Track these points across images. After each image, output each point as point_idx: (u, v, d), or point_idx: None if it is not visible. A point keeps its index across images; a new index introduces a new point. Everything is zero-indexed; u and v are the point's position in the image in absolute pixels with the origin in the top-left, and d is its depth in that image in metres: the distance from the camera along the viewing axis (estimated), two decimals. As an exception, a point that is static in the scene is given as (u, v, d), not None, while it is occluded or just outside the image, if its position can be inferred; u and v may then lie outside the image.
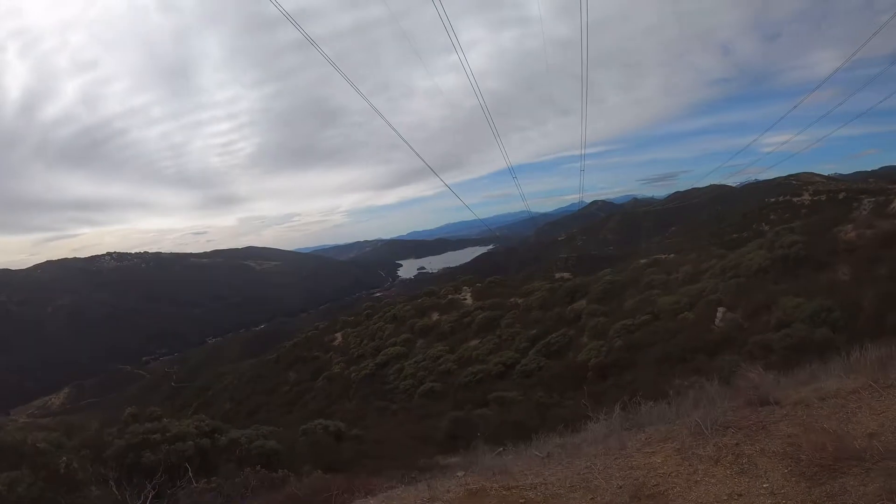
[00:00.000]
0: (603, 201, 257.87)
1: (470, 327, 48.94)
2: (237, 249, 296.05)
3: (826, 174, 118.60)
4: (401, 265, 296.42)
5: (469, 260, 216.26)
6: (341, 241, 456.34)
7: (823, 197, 76.32)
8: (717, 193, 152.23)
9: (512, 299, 54.49)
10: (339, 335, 61.72)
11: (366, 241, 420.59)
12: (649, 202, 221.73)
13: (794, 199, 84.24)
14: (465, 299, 59.18)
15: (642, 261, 56.69)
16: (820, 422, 5.50)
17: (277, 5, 12.69)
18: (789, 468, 4.68)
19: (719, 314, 35.03)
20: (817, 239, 43.04)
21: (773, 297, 33.44)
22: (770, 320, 29.99)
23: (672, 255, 58.07)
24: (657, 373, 27.35)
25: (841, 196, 71.78)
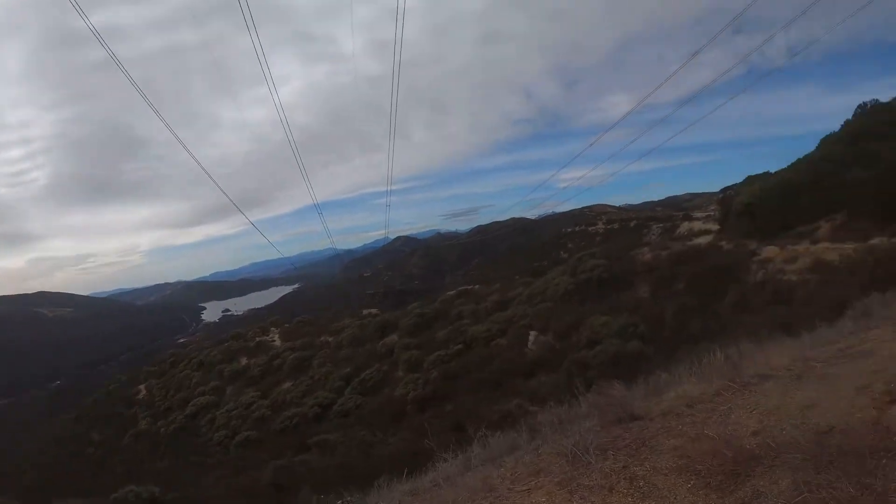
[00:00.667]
0: (407, 236, 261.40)
1: (281, 369, 47.57)
2: (27, 295, 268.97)
3: (618, 205, 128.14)
4: (204, 308, 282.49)
5: (275, 300, 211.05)
6: (140, 284, 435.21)
7: (616, 225, 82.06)
8: (518, 226, 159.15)
9: (322, 338, 53.79)
10: (143, 387, 58.37)
11: (166, 284, 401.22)
12: (453, 236, 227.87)
13: (590, 229, 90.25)
14: (274, 341, 57.98)
15: (450, 293, 57.86)
16: (700, 429, 5.22)
17: (84, 18, 11.29)
18: (692, 482, 4.24)
19: (531, 338, 36.07)
20: (617, 262, 46.22)
21: (581, 317, 35.05)
22: (580, 340, 31.23)
23: (478, 286, 59.69)
24: (477, 400, 27.50)
25: (632, 224, 77.90)
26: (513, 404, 23.68)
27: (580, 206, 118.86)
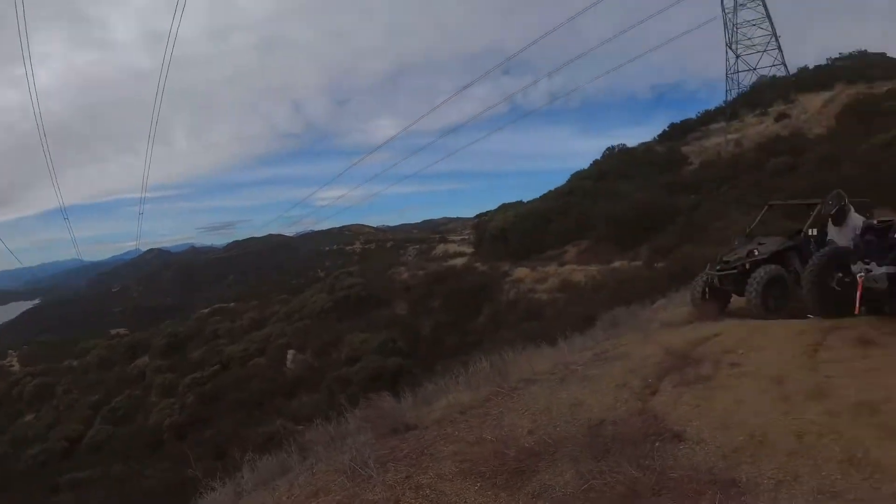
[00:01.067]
0: (160, 249, 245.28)
1: (21, 399, 42.60)
2: None
3: (376, 225, 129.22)
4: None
5: (13, 317, 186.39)
6: None
7: (374, 245, 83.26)
8: (276, 242, 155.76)
9: (66, 361, 49.31)
10: None
11: None
12: (208, 250, 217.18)
13: (347, 248, 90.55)
14: (13, 365, 52.60)
15: (205, 310, 55.60)
16: (477, 433, 5.30)
17: None
18: (479, 484, 4.27)
19: (290, 356, 35.53)
20: (375, 280, 47.11)
21: (339, 335, 35.08)
22: (340, 357, 31.29)
23: (233, 304, 58.00)
24: (238, 422, 26.48)
25: (389, 244, 79.58)
26: (277, 425, 23.04)
27: (339, 226, 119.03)
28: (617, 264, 35.55)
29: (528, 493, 4.08)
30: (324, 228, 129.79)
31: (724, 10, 62.26)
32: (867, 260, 7.24)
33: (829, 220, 9.07)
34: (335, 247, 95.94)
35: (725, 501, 3.64)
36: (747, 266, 10.01)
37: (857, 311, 7.21)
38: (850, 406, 4.67)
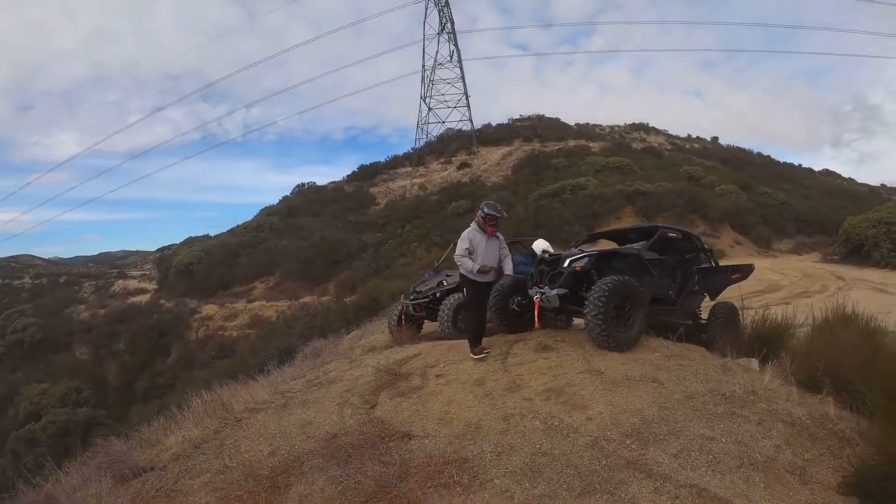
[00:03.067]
0: None
1: None
2: None
3: (47, 257, 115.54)
4: None
5: None
6: None
7: (45, 280, 74.96)
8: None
9: None
10: None
11: None
12: None
13: (15, 283, 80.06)
14: None
15: None
16: (219, 462, 5.41)
17: None
18: None
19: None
20: (52, 320, 42.70)
21: (14, 386, 31.50)
22: (18, 412, 28.01)
23: None
24: None
25: (63, 279, 72.18)
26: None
27: (5, 256, 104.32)
28: (307, 299, 36.35)
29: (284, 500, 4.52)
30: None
31: (423, 67, 67.24)
32: (541, 285, 8.53)
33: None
34: (1, 281, 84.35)
35: (462, 473, 4.52)
36: (438, 295, 11.41)
37: (536, 326, 8.54)
38: (540, 392, 6.03)
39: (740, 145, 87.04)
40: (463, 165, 66.40)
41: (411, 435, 5.44)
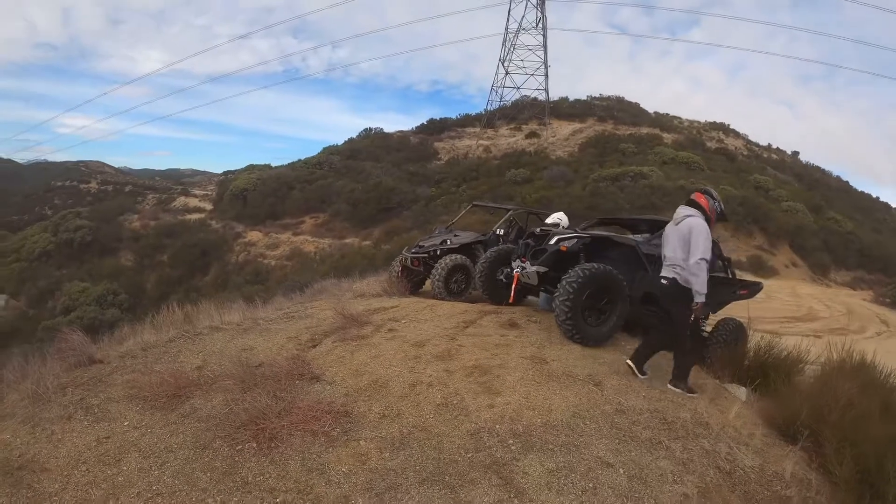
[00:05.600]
0: None
1: None
2: None
3: (116, 166, 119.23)
4: None
5: None
6: None
7: (111, 188, 77.39)
8: (1, 169, 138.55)
9: None
10: None
11: None
12: None
13: (82, 186, 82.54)
14: None
15: None
16: (151, 366, 5.76)
17: None
18: (140, 406, 4.77)
19: (1, 302, 32.65)
20: (104, 225, 44.10)
21: (57, 282, 32.86)
22: (56, 306, 29.33)
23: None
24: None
25: (128, 189, 74.41)
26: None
27: (76, 160, 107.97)
28: (349, 240, 36.80)
29: (180, 413, 4.70)
30: (59, 160, 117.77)
31: (507, 29, 66.57)
32: (524, 259, 8.27)
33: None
34: (68, 182, 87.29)
35: (336, 425, 4.55)
36: (438, 252, 11.16)
37: (511, 301, 8.49)
38: (466, 367, 5.88)
39: (821, 165, 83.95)
40: (531, 135, 65.51)
41: (320, 379, 5.53)
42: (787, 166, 74.24)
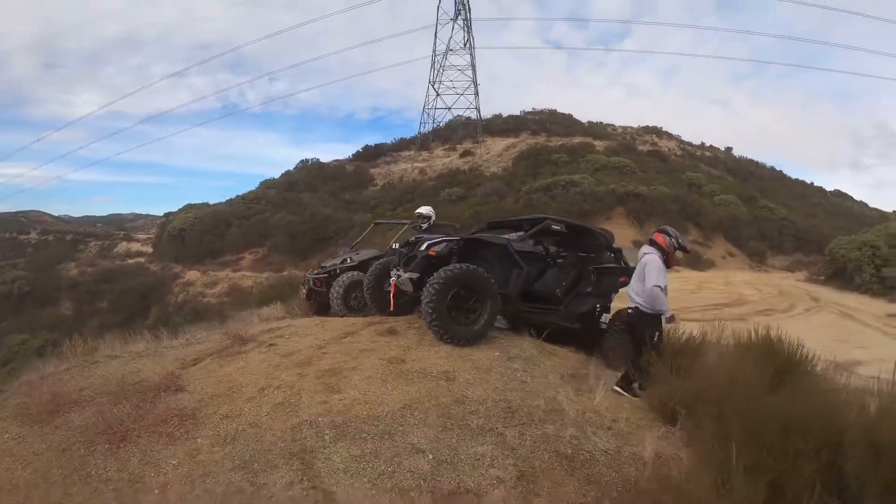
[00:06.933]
0: None
1: None
2: None
3: (57, 214, 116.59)
4: None
5: None
6: None
7: (51, 237, 76.26)
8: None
9: None
10: None
11: None
12: None
13: (21, 237, 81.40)
14: None
15: None
16: (53, 389, 6.13)
17: None
18: (22, 421, 5.42)
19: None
20: (42, 275, 43.77)
21: (-4, 335, 32.71)
22: (-6, 361, 29.21)
23: None
24: None
25: (69, 237, 73.43)
26: None
27: (14, 210, 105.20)
28: (286, 273, 37.21)
29: (54, 425, 5.27)
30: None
31: (434, 52, 67.70)
32: (398, 267, 8.67)
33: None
34: (7, 235, 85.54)
35: (180, 427, 5.13)
36: (337, 271, 11.59)
37: (392, 309, 8.76)
38: (320, 371, 6.36)
39: (756, 159, 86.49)
40: (466, 153, 66.82)
41: (183, 389, 6.03)
42: (720, 162, 76.89)
